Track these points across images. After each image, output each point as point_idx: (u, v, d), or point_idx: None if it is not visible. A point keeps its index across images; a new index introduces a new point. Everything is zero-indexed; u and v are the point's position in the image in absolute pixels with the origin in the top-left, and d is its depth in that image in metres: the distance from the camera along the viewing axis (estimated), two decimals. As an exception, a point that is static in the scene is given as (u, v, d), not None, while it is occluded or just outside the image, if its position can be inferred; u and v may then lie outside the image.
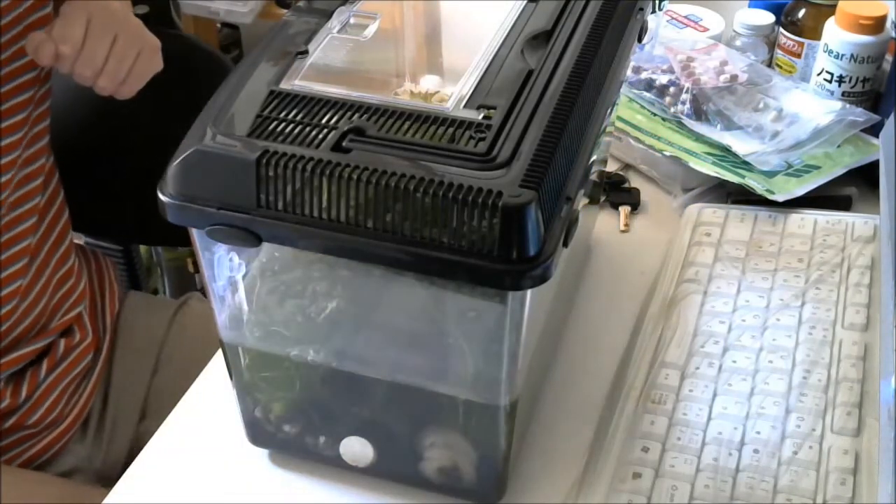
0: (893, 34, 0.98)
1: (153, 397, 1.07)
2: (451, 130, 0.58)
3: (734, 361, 0.76)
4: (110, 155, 1.19)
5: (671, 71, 1.00)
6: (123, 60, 0.90)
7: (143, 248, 1.65)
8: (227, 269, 0.64)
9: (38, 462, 1.00)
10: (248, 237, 0.57)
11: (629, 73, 1.00)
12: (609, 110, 0.71)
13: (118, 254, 1.31)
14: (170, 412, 0.77)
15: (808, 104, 0.97)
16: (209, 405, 0.77)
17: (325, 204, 0.55)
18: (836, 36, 0.97)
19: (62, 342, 1.00)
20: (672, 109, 0.97)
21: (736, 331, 0.79)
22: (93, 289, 1.08)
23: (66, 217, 1.03)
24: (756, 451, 0.70)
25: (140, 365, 1.09)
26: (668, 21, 1.11)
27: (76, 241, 1.09)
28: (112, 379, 1.07)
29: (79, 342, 1.02)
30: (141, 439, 1.03)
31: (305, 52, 0.64)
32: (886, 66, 1.00)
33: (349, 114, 0.59)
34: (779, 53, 1.06)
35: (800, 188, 0.90)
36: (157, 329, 1.12)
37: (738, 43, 1.07)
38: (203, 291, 1.10)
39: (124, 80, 0.91)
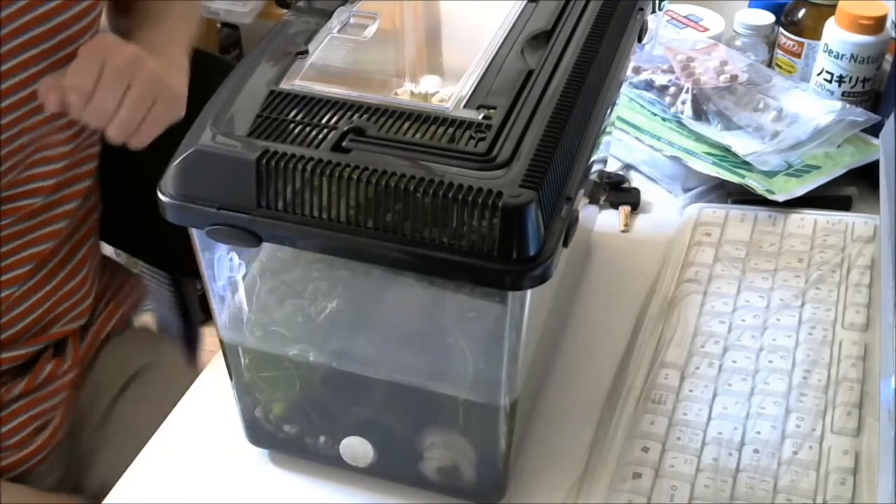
0: (893, 34, 0.98)
1: (102, 448, 1.01)
2: (451, 130, 0.58)
3: (734, 361, 0.76)
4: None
5: (671, 71, 1.00)
6: (135, 111, 0.85)
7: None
8: (227, 269, 0.64)
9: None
10: (248, 237, 0.57)
11: (629, 73, 1.00)
12: (609, 110, 0.71)
13: (166, 281, 1.25)
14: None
15: (808, 104, 0.97)
16: (209, 405, 0.77)
17: (325, 204, 0.55)
18: (836, 36, 0.97)
19: (50, 366, 0.95)
20: (672, 109, 0.97)
21: (736, 331, 0.79)
22: (96, 303, 1.03)
23: (94, 226, 1.00)
24: (756, 451, 0.70)
25: (98, 407, 1.03)
26: (668, 21, 1.11)
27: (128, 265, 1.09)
28: (78, 410, 1.01)
29: (65, 371, 0.97)
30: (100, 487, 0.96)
31: (305, 52, 0.64)
32: (886, 66, 1.00)
33: (349, 114, 0.59)
34: (779, 53, 1.06)
35: (800, 188, 0.90)
36: (119, 379, 1.05)
37: (738, 43, 1.07)
38: (203, 292, 1.09)
39: (136, 131, 0.86)
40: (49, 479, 0.98)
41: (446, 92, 0.62)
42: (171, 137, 0.60)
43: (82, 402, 1.02)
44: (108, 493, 0.72)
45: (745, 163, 0.92)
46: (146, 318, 1.22)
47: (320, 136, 0.57)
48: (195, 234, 0.61)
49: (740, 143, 0.93)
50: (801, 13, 1.04)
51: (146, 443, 0.76)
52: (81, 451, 1.00)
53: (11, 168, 0.88)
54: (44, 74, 0.86)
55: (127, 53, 0.85)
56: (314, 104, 0.59)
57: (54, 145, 0.91)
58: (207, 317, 1.13)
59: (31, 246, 0.93)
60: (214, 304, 0.66)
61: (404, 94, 0.64)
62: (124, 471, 0.74)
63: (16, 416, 0.94)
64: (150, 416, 0.91)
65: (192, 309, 1.29)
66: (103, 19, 1.01)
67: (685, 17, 1.12)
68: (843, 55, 0.97)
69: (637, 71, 1.02)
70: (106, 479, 0.95)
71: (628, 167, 0.99)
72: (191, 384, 0.79)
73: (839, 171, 0.92)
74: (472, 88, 0.61)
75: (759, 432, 0.71)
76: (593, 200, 0.87)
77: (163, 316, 1.26)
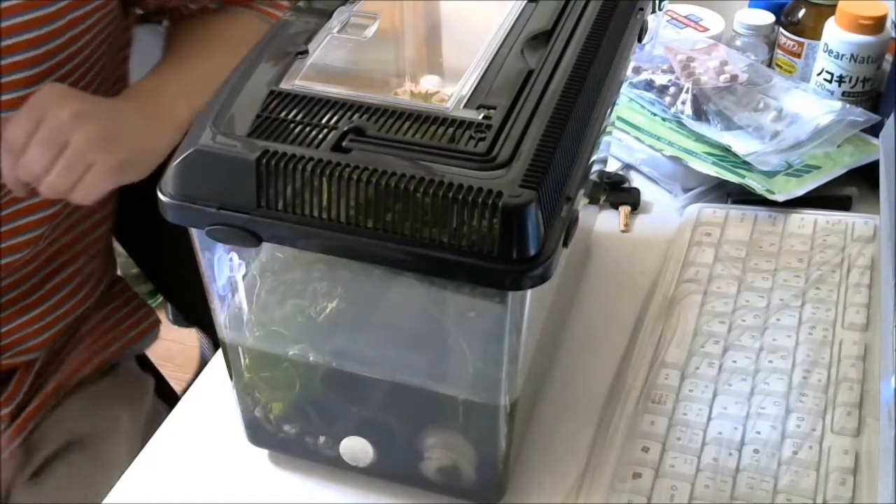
0: (893, 34, 0.98)
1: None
2: (451, 130, 0.58)
3: (734, 361, 0.76)
4: None
5: (671, 71, 1.00)
6: (65, 175, 0.78)
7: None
8: (227, 269, 0.64)
9: None
10: (248, 237, 0.57)
11: (629, 73, 1.00)
12: (609, 110, 0.71)
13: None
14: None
15: (808, 104, 0.97)
16: (209, 405, 0.77)
17: (325, 204, 0.55)
18: (836, 36, 0.97)
19: None
20: (672, 109, 0.97)
21: (736, 331, 0.79)
22: (53, 346, 0.97)
23: (70, 261, 0.95)
24: (756, 451, 0.70)
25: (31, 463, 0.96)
26: (668, 21, 1.11)
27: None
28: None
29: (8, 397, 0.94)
30: None
31: (305, 52, 0.64)
32: (886, 66, 1.00)
33: (349, 114, 0.59)
34: (779, 53, 1.06)
35: (800, 188, 0.90)
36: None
37: (738, 43, 1.07)
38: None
39: (69, 193, 0.80)
40: None
41: (446, 92, 0.62)
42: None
43: (22, 451, 0.96)
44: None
45: (745, 163, 0.92)
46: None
47: (320, 136, 0.57)
48: (195, 233, 0.61)
49: (740, 143, 0.93)
50: (801, 13, 1.04)
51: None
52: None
53: None
54: (29, 85, 0.83)
55: (68, 111, 0.79)
56: (314, 104, 0.59)
57: None
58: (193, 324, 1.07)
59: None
60: (214, 304, 0.66)
61: (404, 94, 0.64)
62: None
63: None
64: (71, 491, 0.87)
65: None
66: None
67: (685, 17, 1.12)
68: (843, 55, 0.97)
69: (637, 71, 1.02)
70: None
71: (628, 167, 0.99)
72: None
73: (839, 171, 0.92)
74: (472, 88, 0.61)
75: (759, 432, 0.71)
76: (593, 200, 0.87)
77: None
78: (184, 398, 0.79)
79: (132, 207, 1.06)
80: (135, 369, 1.08)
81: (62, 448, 0.97)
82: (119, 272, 1.12)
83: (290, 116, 0.58)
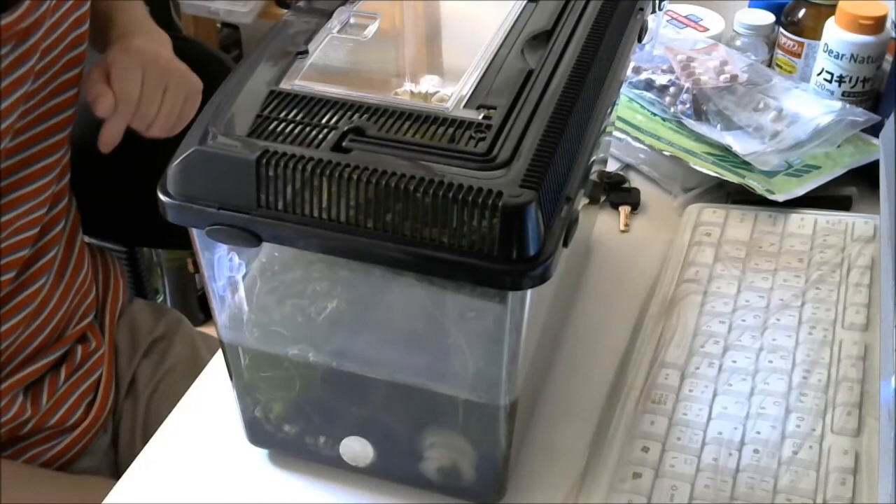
0: (893, 34, 0.98)
1: (157, 403, 1.07)
2: (451, 130, 0.58)
3: (734, 361, 0.76)
4: (115, 155, 1.19)
5: (671, 71, 1.00)
6: (172, 113, 0.93)
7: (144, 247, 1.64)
8: (227, 269, 0.64)
9: (59, 463, 0.99)
10: (248, 237, 0.57)
11: (629, 73, 1.00)
12: (609, 110, 0.71)
13: (122, 255, 1.29)
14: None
15: (808, 104, 0.97)
16: (209, 405, 0.77)
17: (325, 204, 0.55)
18: (836, 36, 0.98)
19: (79, 348, 0.99)
20: (672, 109, 0.98)
21: (736, 331, 0.79)
22: (97, 289, 1.07)
23: (80, 224, 1.02)
24: (756, 451, 0.70)
25: (145, 369, 1.08)
26: (668, 21, 1.11)
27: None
28: (119, 382, 1.06)
29: (95, 349, 1.01)
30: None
31: (305, 52, 0.64)
32: (886, 66, 1.00)
33: (349, 114, 0.59)
34: (779, 53, 1.06)
35: (800, 188, 0.90)
36: (162, 334, 1.11)
37: (738, 43, 1.07)
38: (203, 292, 1.09)
39: (175, 125, 0.94)
40: (106, 444, 1.04)
41: (446, 92, 0.62)
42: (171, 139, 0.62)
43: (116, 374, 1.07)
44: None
45: (745, 163, 0.92)
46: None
47: (320, 136, 0.57)
48: (195, 233, 0.61)
49: (740, 143, 0.94)
50: (801, 13, 1.04)
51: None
52: (124, 414, 1.06)
53: (11, 171, 0.89)
54: (47, 86, 0.89)
55: (163, 60, 0.93)
56: (314, 104, 0.59)
57: (52, 150, 0.92)
58: (207, 317, 1.13)
59: (41, 255, 0.94)
60: (214, 304, 0.66)
61: (404, 94, 0.64)
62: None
63: (67, 399, 0.98)
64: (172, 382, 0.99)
65: (146, 280, 1.32)
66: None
67: (685, 17, 1.12)
68: (843, 55, 0.97)
69: (637, 71, 1.02)
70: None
71: (628, 167, 0.99)
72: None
73: (839, 171, 0.92)
74: (472, 88, 0.61)
75: (759, 432, 0.71)
76: (593, 200, 0.87)
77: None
78: (184, 398, 0.79)
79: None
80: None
81: (145, 353, 1.09)
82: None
83: (290, 116, 0.58)
